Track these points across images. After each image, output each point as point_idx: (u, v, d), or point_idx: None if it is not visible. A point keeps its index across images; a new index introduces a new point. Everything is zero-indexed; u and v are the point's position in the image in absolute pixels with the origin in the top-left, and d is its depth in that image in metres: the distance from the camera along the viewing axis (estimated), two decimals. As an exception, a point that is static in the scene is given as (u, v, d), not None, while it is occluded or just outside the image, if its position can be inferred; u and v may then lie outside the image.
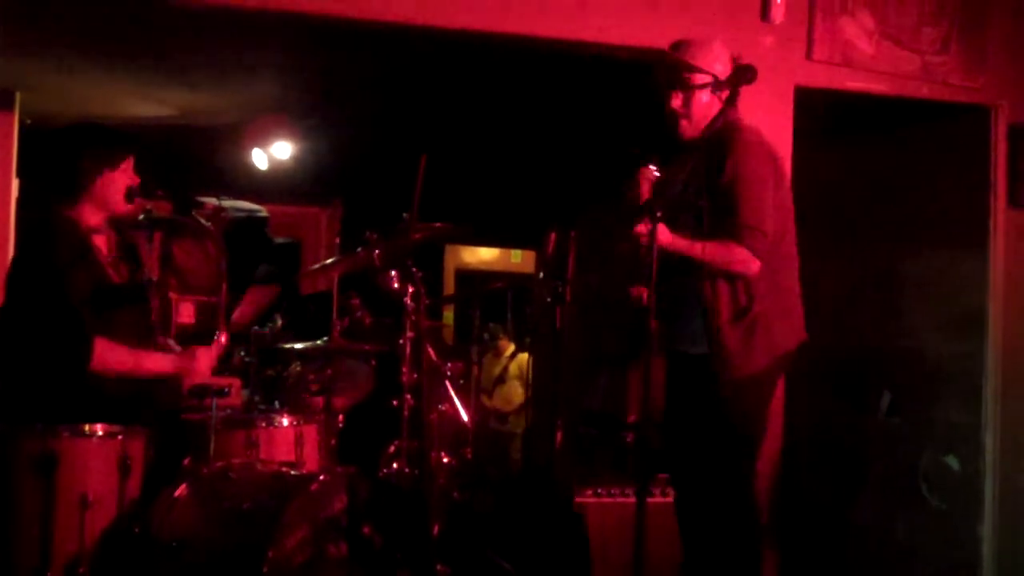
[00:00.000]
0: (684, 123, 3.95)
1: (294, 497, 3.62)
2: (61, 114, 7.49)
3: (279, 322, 5.80)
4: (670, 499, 4.52)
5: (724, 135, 3.84)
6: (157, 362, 3.96)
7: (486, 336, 9.40)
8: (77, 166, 3.90)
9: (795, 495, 5.43)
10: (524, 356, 8.55)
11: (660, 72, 3.99)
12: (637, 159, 3.88)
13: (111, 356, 3.74)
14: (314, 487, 3.73)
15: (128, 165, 3.99)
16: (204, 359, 4.03)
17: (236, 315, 4.50)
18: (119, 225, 4.13)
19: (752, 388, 3.89)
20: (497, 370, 9.24)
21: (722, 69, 3.90)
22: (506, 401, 9.30)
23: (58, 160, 3.95)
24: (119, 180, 3.95)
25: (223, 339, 4.23)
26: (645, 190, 3.85)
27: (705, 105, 3.93)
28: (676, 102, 3.94)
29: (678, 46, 4.01)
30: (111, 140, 4.01)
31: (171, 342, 4.40)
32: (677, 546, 4.04)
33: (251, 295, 5.76)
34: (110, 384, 3.77)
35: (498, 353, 9.47)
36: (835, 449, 6.10)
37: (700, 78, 3.90)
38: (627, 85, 6.27)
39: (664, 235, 3.61)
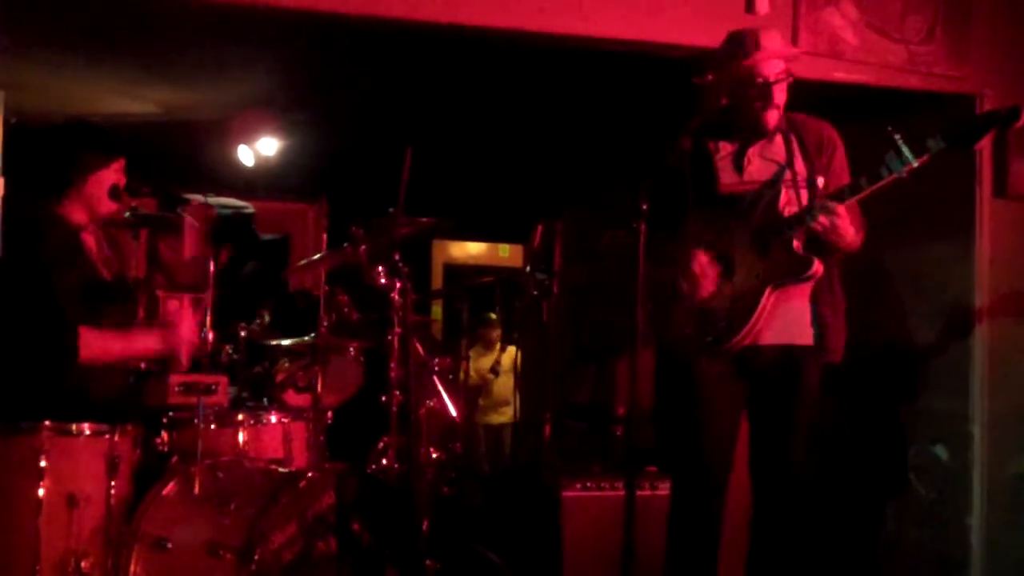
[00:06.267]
0: (775, 112, 3.95)
1: (282, 494, 3.63)
2: (47, 112, 7.47)
3: (267, 318, 5.79)
4: (659, 492, 4.54)
5: (795, 120, 4.02)
6: (145, 341, 3.94)
7: (477, 322, 9.20)
8: (70, 164, 3.87)
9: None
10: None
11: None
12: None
13: (99, 343, 3.70)
14: (302, 484, 3.74)
15: (119, 166, 3.96)
16: (186, 325, 3.96)
17: None
18: (106, 223, 4.11)
19: None
20: (489, 362, 9.01)
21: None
22: (500, 394, 9.08)
23: (51, 157, 3.90)
24: (107, 180, 3.93)
25: (210, 336, 4.22)
26: None
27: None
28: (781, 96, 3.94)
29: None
30: (106, 141, 3.97)
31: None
32: (663, 540, 4.03)
33: None
34: (97, 383, 3.76)
35: (489, 345, 9.29)
36: (823, 440, 6.09)
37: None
38: (611, 78, 6.31)
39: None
